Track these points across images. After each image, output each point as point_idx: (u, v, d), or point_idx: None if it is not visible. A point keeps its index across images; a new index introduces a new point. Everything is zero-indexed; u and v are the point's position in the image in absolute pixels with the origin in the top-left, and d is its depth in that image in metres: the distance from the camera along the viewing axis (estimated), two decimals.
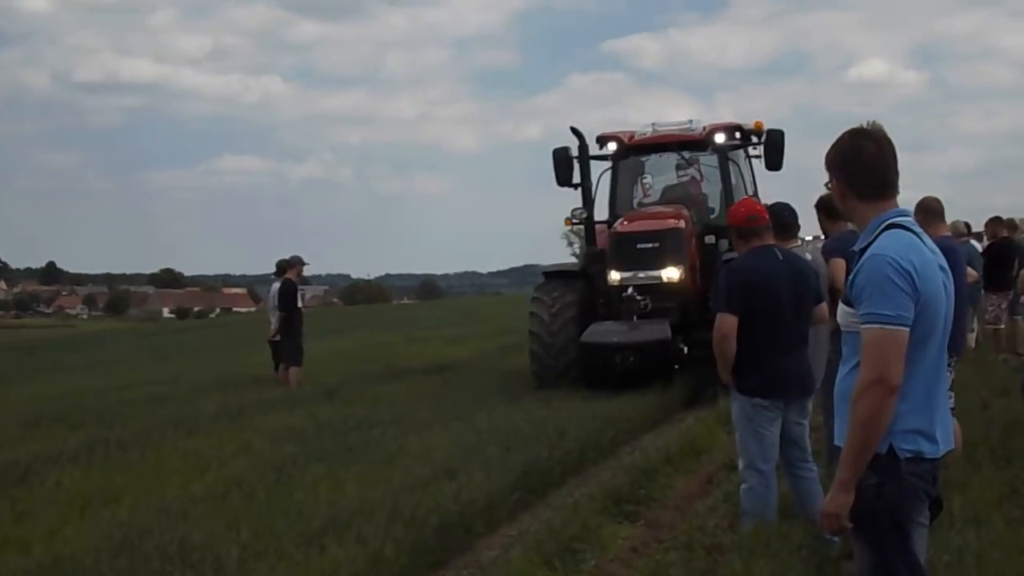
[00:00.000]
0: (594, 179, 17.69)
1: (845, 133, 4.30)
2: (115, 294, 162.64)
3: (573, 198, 17.64)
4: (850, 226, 7.37)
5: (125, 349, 38.52)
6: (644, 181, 18.59)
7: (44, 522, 9.01)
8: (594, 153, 17.89)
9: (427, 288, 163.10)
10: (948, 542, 6.43)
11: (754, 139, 17.79)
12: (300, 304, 18.53)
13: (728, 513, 8.47)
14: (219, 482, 10.14)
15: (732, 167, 17.51)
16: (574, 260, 28.75)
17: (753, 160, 18.15)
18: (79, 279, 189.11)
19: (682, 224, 16.41)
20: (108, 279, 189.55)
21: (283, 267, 18.49)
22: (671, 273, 16.10)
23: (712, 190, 17.99)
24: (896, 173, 4.27)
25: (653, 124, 18.27)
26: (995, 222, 18.20)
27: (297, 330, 18.09)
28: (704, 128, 17.67)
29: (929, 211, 8.94)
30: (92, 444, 12.67)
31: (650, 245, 16.16)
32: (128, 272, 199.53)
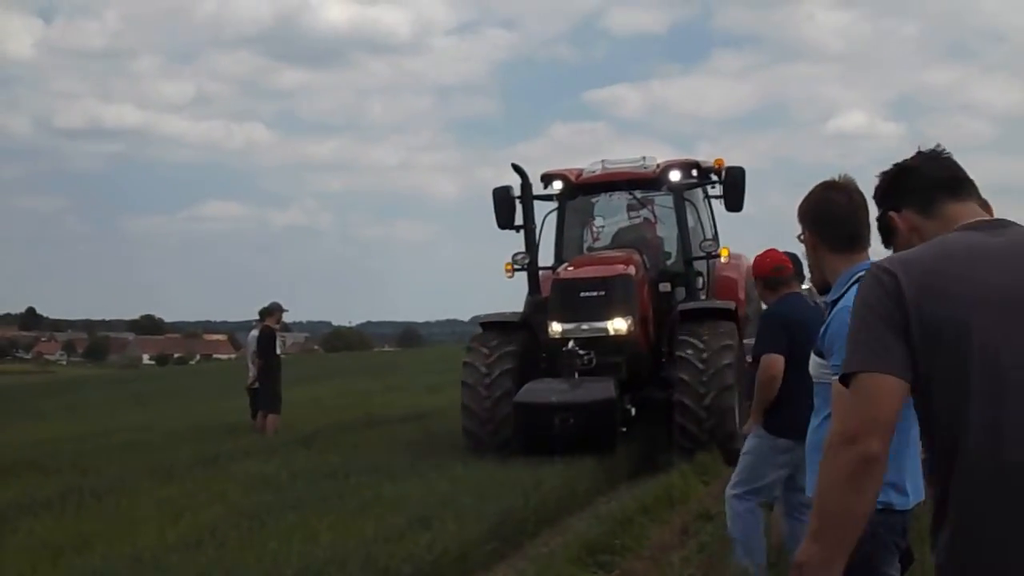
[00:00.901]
0: (539, 221, 16.25)
1: (817, 186, 4.36)
2: (95, 340, 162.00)
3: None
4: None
5: (103, 395, 38.33)
6: (594, 224, 17.24)
7: (15, 569, 8.92)
8: (538, 193, 16.43)
9: (408, 336, 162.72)
10: None
11: (713, 177, 16.49)
12: (279, 351, 18.50)
13: (703, 563, 8.45)
14: (193, 530, 10.06)
15: (689, 208, 16.26)
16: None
17: (714, 201, 16.87)
18: (58, 325, 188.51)
19: (631, 270, 14.99)
20: (88, 325, 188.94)
21: (264, 314, 18.48)
22: (618, 324, 14.60)
23: (668, 233, 16.66)
24: (867, 226, 4.30)
25: (603, 161, 16.91)
26: None
27: (275, 377, 18.05)
28: (658, 166, 16.30)
29: None
30: (66, 491, 12.56)
31: (595, 293, 14.64)
32: (108, 318, 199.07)
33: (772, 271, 7.69)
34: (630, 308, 14.70)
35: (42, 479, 14.14)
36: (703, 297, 16.06)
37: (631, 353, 14.72)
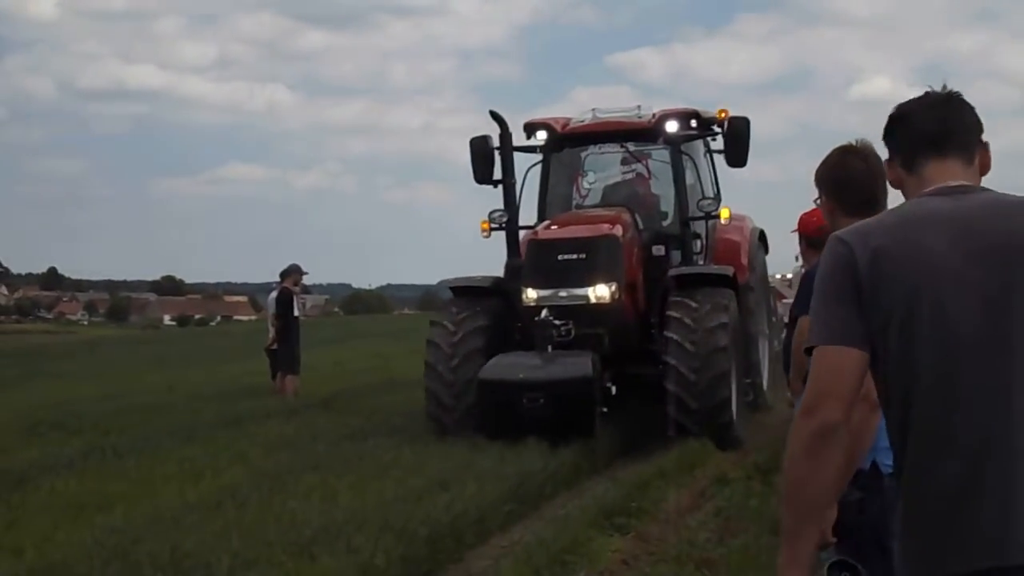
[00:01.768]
0: (521, 175, 14.74)
1: (834, 150, 4.37)
2: (116, 301, 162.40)
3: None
4: None
5: (124, 356, 38.51)
6: (583, 179, 15.56)
7: (38, 528, 9.02)
8: (520, 144, 14.81)
9: (429, 299, 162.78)
10: None
11: (715, 129, 14.90)
12: (297, 312, 18.54)
13: (719, 527, 8.51)
14: (213, 490, 10.16)
15: (687, 163, 14.71)
16: None
17: (717, 156, 15.40)
18: (80, 285, 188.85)
19: (618, 231, 13.37)
20: (109, 286, 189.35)
21: (284, 276, 18.53)
22: (601, 292, 12.99)
23: (665, 191, 14.97)
24: (884, 191, 4.29)
25: (594, 110, 15.32)
26: None
27: (294, 339, 18.09)
28: (654, 115, 14.68)
29: None
30: (88, 451, 12.69)
31: (575, 256, 13.03)
32: (129, 279, 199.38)
33: (817, 229, 7.59)
34: (615, 273, 13.12)
35: (64, 439, 14.25)
36: (701, 262, 14.57)
37: (616, 324, 13.10)
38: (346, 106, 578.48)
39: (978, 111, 3.07)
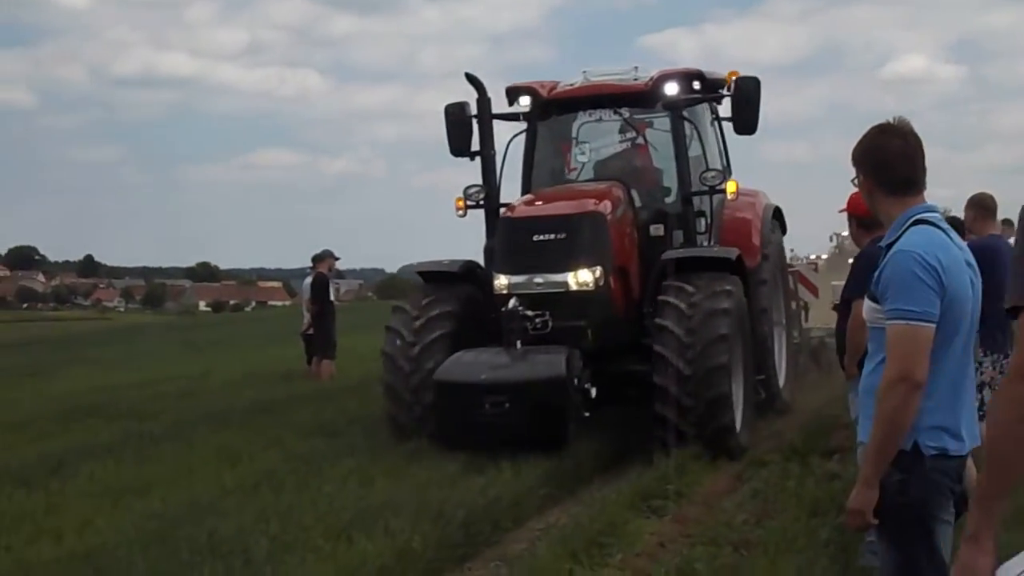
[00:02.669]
0: (503, 146, 13.00)
1: (871, 129, 4.31)
2: (152, 287, 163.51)
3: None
4: None
5: (160, 342, 38.72)
6: (575, 150, 13.59)
7: (77, 513, 9.08)
8: (501, 111, 13.17)
9: None
10: None
11: (722, 92, 12.99)
12: (332, 297, 18.59)
13: (756, 509, 8.47)
14: (250, 475, 10.20)
15: (690, 131, 12.83)
16: None
17: (726, 124, 13.40)
18: (116, 272, 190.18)
19: (605, 207, 11.61)
20: (145, 272, 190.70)
21: (316, 261, 18.57)
22: (584, 277, 11.18)
23: (668, 163, 12.89)
24: (923, 169, 4.27)
25: (585, 72, 13.48)
26: None
27: (329, 323, 18.16)
28: (652, 78, 12.85)
29: (981, 207, 8.82)
30: (125, 437, 12.78)
31: (552, 236, 11.29)
32: (165, 266, 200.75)
33: (868, 210, 7.48)
34: (600, 256, 11.35)
35: (102, 425, 14.36)
36: (706, 243, 12.70)
37: (602, 315, 11.30)
38: (376, 91, 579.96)
39: (1017, 88, 3.03)
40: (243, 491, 9.48)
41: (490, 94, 12.80)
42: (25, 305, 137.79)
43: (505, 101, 13.22)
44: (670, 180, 13.01)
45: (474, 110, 12.70)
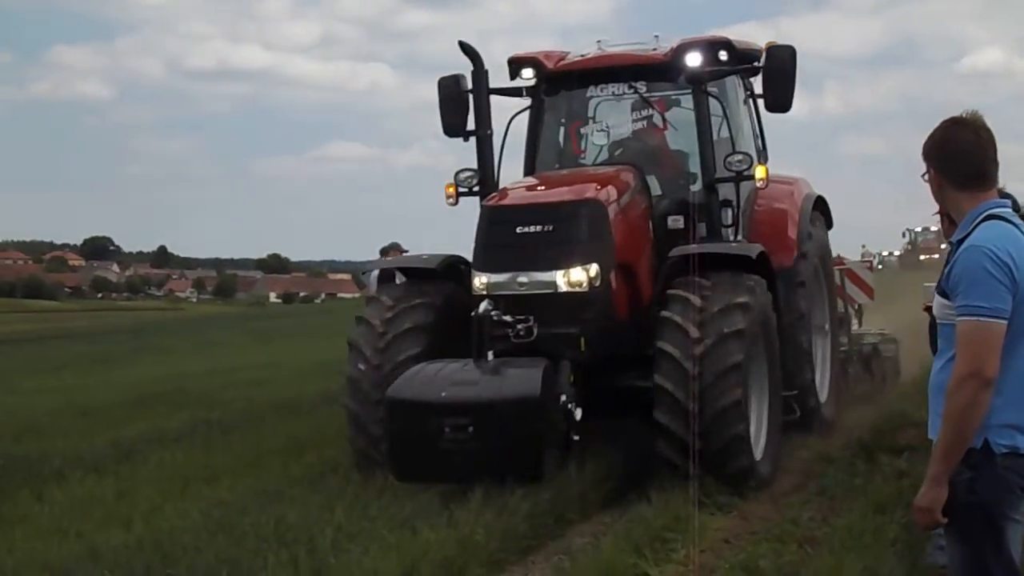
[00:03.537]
0: (503, 125, 11.34)
1: (942, 122, 4.25)
2: (223, 278, 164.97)
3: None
4: None
5: (231, 332, 39.12)
6: (586, 130, 11.85)
7: (146, 499, 9.22)
8: (501, 86, 11.49)
9: None
10: None
11: (756, 64, 11.12)
12: None
13: (823, 506, 8.39)
14: (316, 465, 10.28)
15: (716, 108, 11.01)
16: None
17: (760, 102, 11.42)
18: (189, 263, 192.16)
19: (607, 194, 9.93)
20: (217, 263, 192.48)
21: (384, 253, 18.63)
22: (576, 276, 9.41)
23: (692, 145, 11.06)
24: (995, 163, 4.20)
25: (599, 42, 11.74)
26: None
27: None
28: (672, 47, 11.02)
29: None
30: (195, 425, 12.95)
31: (539, 229, 9.60)
32: (236, 257, 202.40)
33: None
34: (597, 252, 9.60)
35: (172, 413, 14.56)
36: (732, 238, 10.88)
37: (599, 321, 9.56)
38: None
39: None
40: (309, 480, 9.57)
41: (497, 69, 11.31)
42: (100, 295, 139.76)
43: (507, 75, 11.57)
44: (695, 165, 11.13)
45: (470, 84, 11.11)
